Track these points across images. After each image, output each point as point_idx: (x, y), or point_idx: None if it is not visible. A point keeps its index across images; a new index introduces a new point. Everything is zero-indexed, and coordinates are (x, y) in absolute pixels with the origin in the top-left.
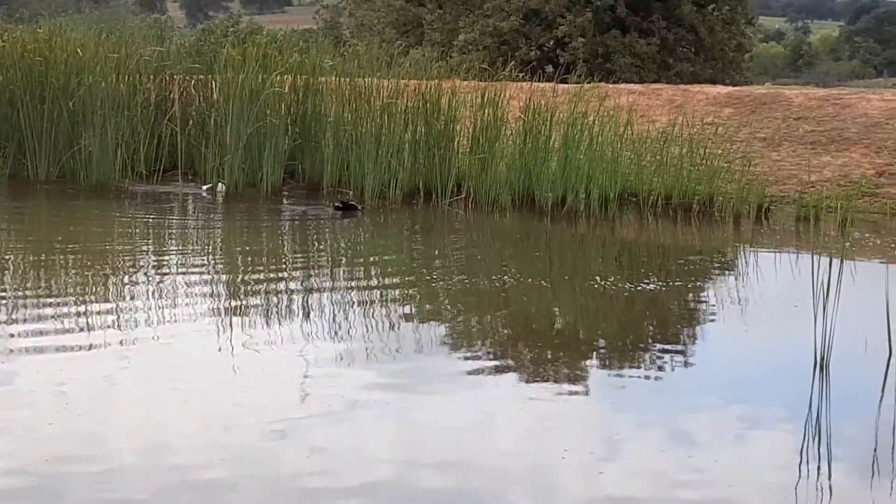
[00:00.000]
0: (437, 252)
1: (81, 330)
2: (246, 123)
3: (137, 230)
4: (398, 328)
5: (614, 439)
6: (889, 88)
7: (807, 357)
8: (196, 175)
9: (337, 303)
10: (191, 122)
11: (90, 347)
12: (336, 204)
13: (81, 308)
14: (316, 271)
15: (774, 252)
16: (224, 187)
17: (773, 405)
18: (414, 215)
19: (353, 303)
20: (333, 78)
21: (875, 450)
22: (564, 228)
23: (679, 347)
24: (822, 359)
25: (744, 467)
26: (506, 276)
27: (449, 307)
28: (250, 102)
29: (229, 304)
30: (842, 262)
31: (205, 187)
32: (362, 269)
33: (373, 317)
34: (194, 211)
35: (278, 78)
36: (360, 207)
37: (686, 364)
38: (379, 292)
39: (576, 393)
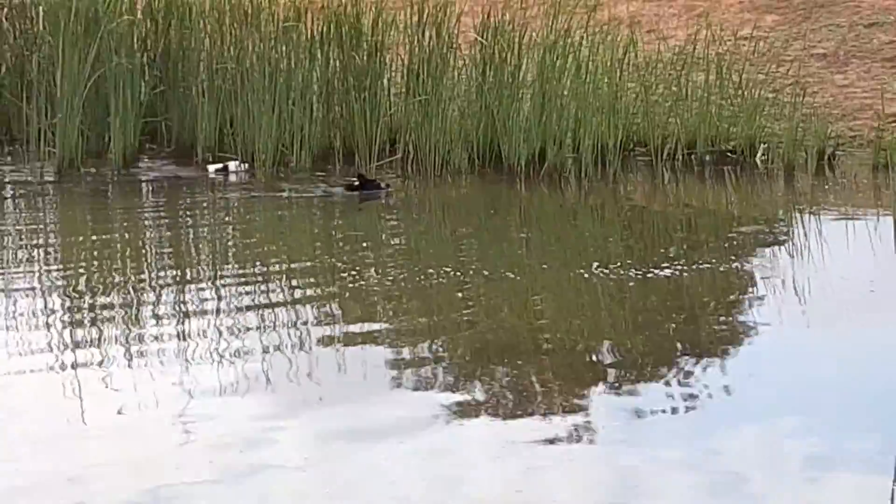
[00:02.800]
0: (365, 238)
1: None
2: (83, 66)
3: None
4: (316, 351)
5: (630, 491)
6: None
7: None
8: (15, 142)
9: (226, 317)
10: (3, 66)
11: None
12: (351, 181)
13: None
14: (190, 271)
15: (844, 217)
16: (244, 165)
17: (853, 436)
18: (329, 185)
19: (250, 317)
20: None
21: None
22: (545, 196)
23: (716, 360)
24: None
25: None
26: (466, 270)
27: (391, 317)
28: (88, 35)
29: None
30: None
31: (212, 167)
32: (257, 266)
33: (279, 334)
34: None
35: None
36: (385, 185)
37: (726, 383)
38: (287, 298)
39: (575, 430)
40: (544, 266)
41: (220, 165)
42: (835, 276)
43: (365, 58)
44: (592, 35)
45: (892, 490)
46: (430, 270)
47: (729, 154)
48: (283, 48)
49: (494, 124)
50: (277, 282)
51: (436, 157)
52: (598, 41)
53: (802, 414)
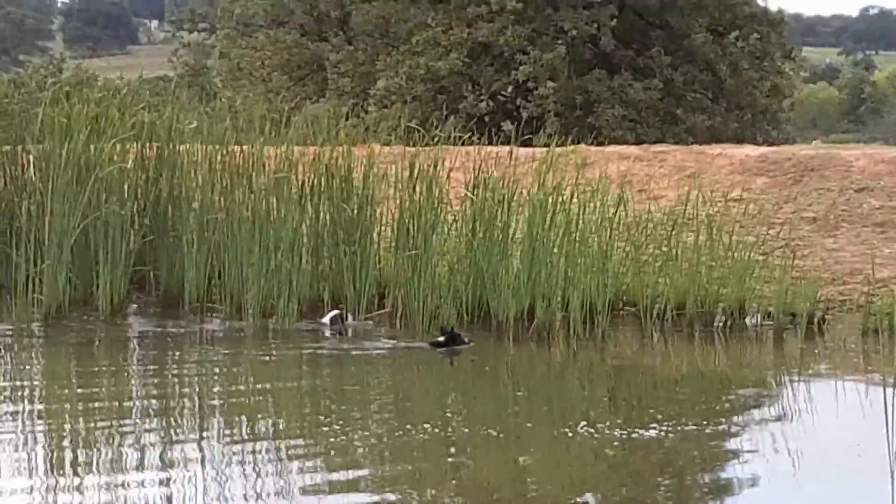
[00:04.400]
0: (350, 392)
1: None
2: (73, 213)
3: None
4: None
5: None
6: None
7: None
8: (2, 288)
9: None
10: None
11: None
12: (436, 337)
13: None
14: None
15: (833, 381)
16: (336, 314)
17: None
18: (317, 339)
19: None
20: (198, 146)
21: None
22: (533, 353)
23: None
24: None
25: None
26: (451, 427)
27: (368, 478)
28: (79, 183)
29: None
30: None
31: (326, 318)
32: (231, 428)
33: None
34: None
35: (119, 147)
36: (468, 340)
37: None
38: (259, 457)
39: None
40: (529, 424)
41: (334, 313)
42: (822, 441)
43: (355, 211)
44: (582, 193)
45: None
46: (415, 428)
47: (718, 316)
48: (273, 200)
49: (483, 280)
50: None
51: (424, 311)
52: (588, 199)
53: None
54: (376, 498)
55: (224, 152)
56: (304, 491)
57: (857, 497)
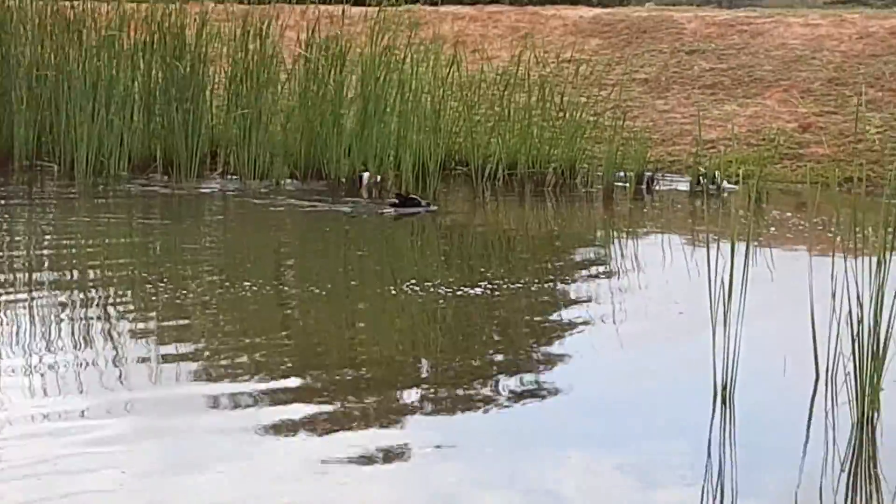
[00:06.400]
0: (178, 248)
1: None
2: None
3: None
4: (129, 367)
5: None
6: (818, 9)
7: (703, 386)
8: None
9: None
10: None
11: None
12: (390, 200)
13: None
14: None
15: (660, 239)
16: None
17: (659, 454)
18: (149, 196)
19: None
20: (28, 0)
21: None
22: (362, 211)
23: (528, 379)
24: (724, 387)
25: None
26: (278, 283)
27: (209, 331)
28: None
29: None
30: (747, 251)
31: (365, 175)
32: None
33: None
34: None
35: None
36: (425, 203)
37: (538, 401)
38: (84, 301)
39: (391, 447)
40: (353, 283)
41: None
42: (647, 298)
43: (187, 69)
44: (415, 53)
45: (700, 492)
46: (241, 281)
47: (549, 175)
48: (105, 57)
49: (317, 140)
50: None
51: (257, 170)
52: (421, 59)
53: (614, 427)
54: (210, 356)
55: (54, 7)
56: (134, 333)
57: (677, 346)
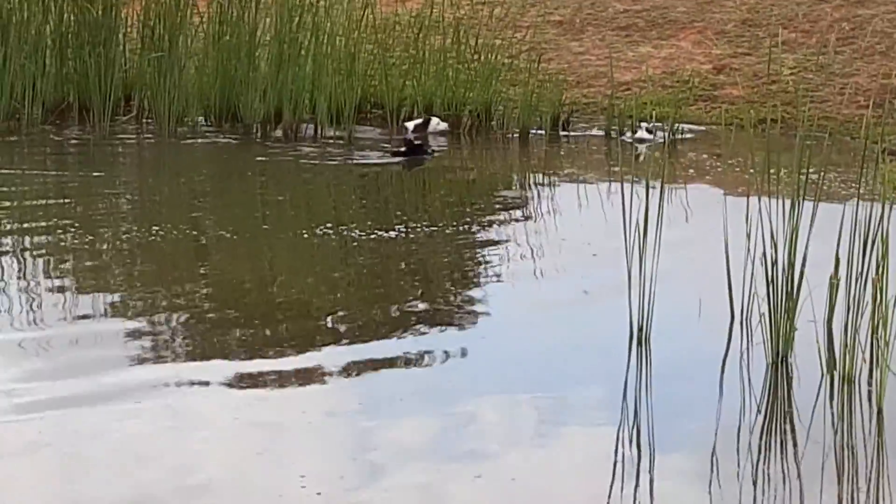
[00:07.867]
0: (88, 192)
1: None
2: None
3: None
4: (47, 315)
5: (366, 454)
6: None
7: (619, 328)
8: None
9: None
10: None
11: None
12: (397, 147)
13: None
14: None
15: (575, 182)
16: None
17: (580, 388)
18: (61, 140)
19: None
20: None
21: (714, 451)
22: (279, 155)
23: (444, 320)
24: (640, 329)
25: (541, 485)
26: (198, 230)
27: (127, 279)
28: None
29: None
30: (662, 192)
31: (410, 124)
32: None
33: None
34: None
35: None
36: (429, 149)
37: (458, 343)
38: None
39: (310, 393)
40: (265, 227)
41: (419, 121)
42: (565, 241)
43: (100, 12)
44: None
45: (614, 448)
46: (162, 230)
47: (464, 118)
48: (14, 0)
49: (231, 83)
50: None
51: (171, 114)
52: (336, 1)
53: (532, 371)
54: (129, 302)
55: None
56: (50, 290)
57: (598, 296)
